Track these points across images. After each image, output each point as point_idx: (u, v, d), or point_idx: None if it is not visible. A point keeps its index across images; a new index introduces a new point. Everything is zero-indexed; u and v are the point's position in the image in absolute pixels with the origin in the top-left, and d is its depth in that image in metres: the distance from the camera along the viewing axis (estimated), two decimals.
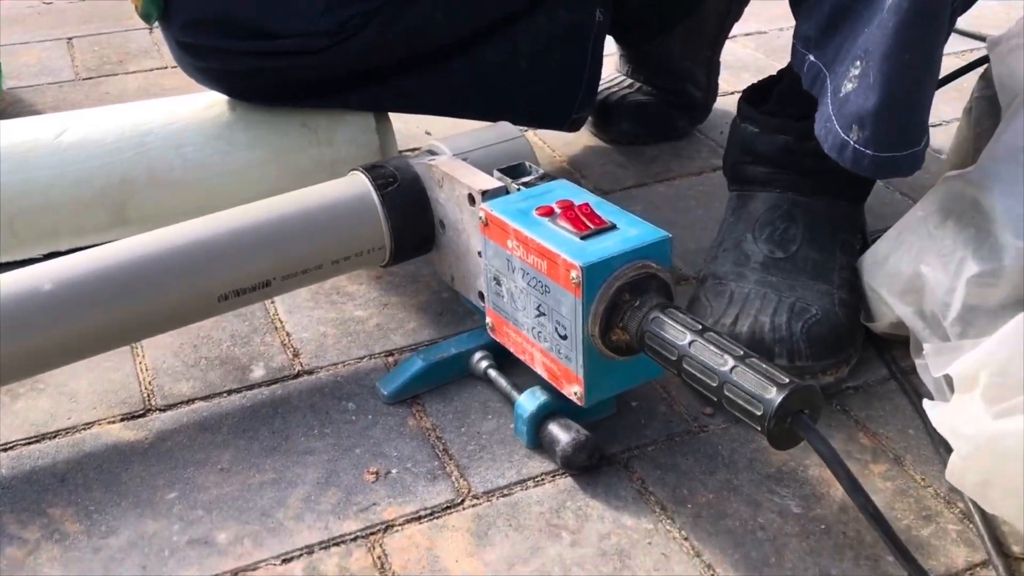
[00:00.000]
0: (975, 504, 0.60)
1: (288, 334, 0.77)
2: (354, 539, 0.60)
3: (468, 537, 0.60)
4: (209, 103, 0.91)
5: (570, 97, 0.95)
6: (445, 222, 0.73)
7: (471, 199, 0.68)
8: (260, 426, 0.68)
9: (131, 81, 1.20)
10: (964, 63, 0.89)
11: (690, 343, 0.54)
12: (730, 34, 1.10)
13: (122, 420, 0.69)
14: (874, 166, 0.62)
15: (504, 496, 0.62)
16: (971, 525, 0.60)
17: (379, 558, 0.58)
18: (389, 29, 0.85)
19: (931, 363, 0.58)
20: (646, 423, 0.68)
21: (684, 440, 0.67)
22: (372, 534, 0.60)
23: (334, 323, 0.78)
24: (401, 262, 0.75)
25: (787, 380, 0.50)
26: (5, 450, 0.66)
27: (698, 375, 0.53)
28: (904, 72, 0.58)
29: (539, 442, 0.65)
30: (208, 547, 0.59)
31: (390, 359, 0.74)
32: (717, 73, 1.09)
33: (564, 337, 0.60)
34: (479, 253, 0.68)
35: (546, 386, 0.65)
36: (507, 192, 0.67)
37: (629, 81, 1.07)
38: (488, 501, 0.62)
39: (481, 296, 0.70)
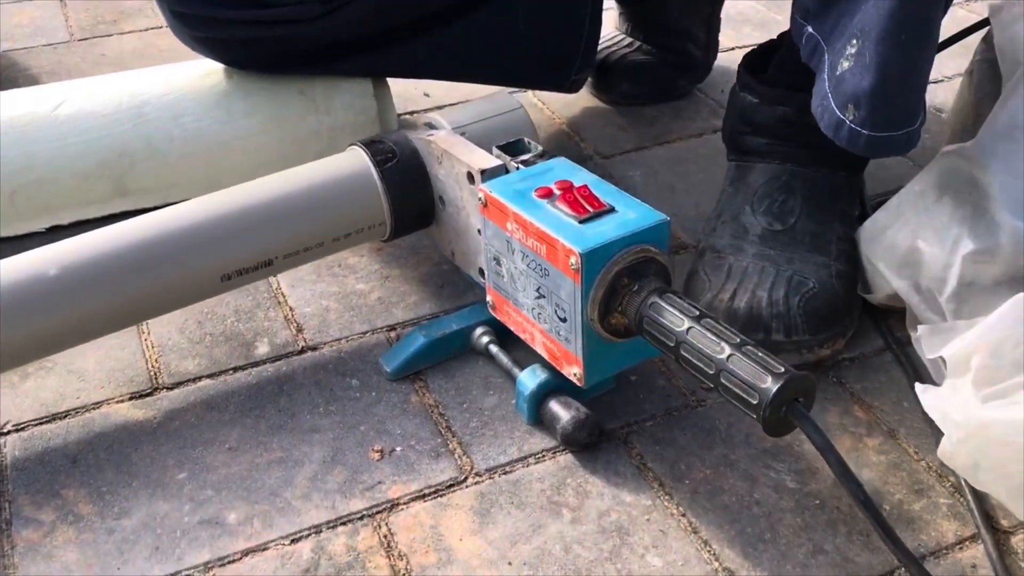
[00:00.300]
0: (965, 480, 0.61)
1: (291, 308, 0.78)
2: (360, 518, 0.61)
3: (471, 515, 0.61)
4: (206, 71, 0.90)
5: (569, 59, 0.95)
6: (445, 198, 0.73)
7: (470, 177, 0.68)
8: (266, 404, 0.69)
9: (126, 42, 1.19)
10: (967, 15, 0.88)
11: (687, 330, 0.55)
12: None
13: (130, 399, 0.70)
14: (870, 145, 0.62)
15: (506, 473, 0.64)
16: (961, 499, 0.62)
17: (385, 537, 0.60)
18: None
19: (924, 344, 0.59)
20: (645, 398, 0.70)
21: (682, 415, 0.68)
22: (378, 513, 0.61)
23: (336, 297, 0.79)
24: (401, 236, 0.76)
25: (782, 369, 0.51)
26: (18, 430, 0.67)
27: (695, 362, 0.54)
28: (900, 53, 0.58)
29: (540, 419, 0.66)
30: (219, 527, 0.61)
31: (392, 334, 0.75)
32: (718, 31, 1.08)
33: (564, 320, 0.61)
34: (479, 231, 0.68)
35: (546, 364, 0.66)
36: (506, 171, 0.68)
37: (628, 40, 1.06)
38: (490, 479, 0.64)
39: (481, 272, 0.70)
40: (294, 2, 0.82)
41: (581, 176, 0.64)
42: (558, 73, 0.96)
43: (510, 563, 0.58)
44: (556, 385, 0.66)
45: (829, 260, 0.73)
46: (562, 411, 0.65)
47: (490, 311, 0.69)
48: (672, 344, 0.56)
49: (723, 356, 0.53)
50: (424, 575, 0.58)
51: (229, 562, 0.59)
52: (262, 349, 0.74)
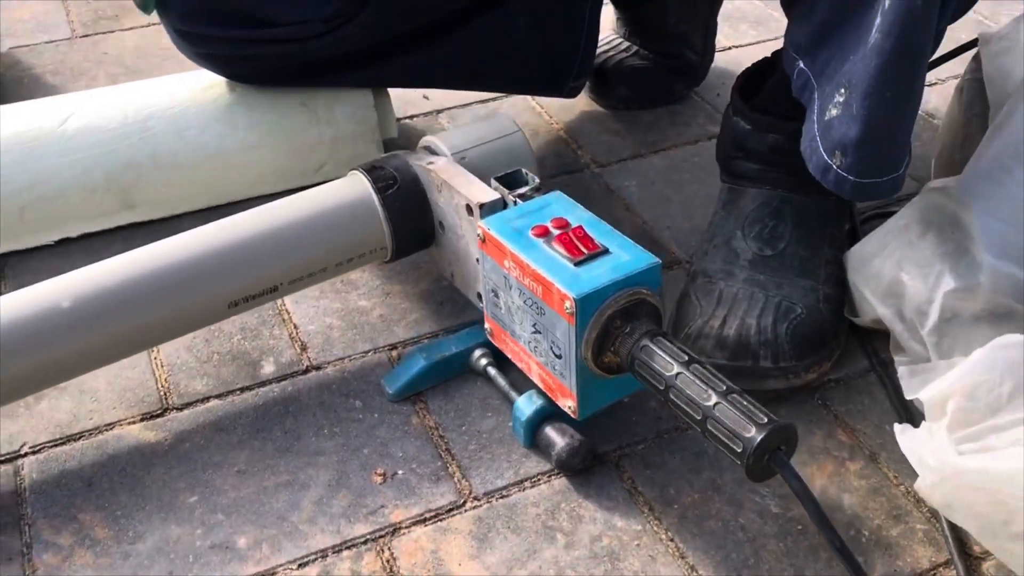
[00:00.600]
0: None
1: (295, 326, 0.80)
2: (364, 542, 0.64)
3: (470, 540, 0.64)
4: (209, 84, 0.92)
5: (567, 65, 0.96)
6: (444, 224, 0.75)
7: (469, 210, 0.70)
8: (273, 425, 0.72)
9: (128, 39, 1.20)
10: (961, 24, 0.89)
11: (676, 375, 0.58)
12: None
13: (142, 420, 0.72)
14: (856, 190, 0.64)
15: (503, 497, 0.67)
16: (937, 525, 0.65)
17: (388, 561, 0.63)
18: (385, 10, 0.85)
19: (904, 384, 0.61)
20: (637, 420, 0.72)
21: (672, 438, 0.71)
22: (381, 537, 0.65)
23: (339, 314, 0.81)
24: (402, 258, 0.78)
25: (765, 420, 0.54)
26: (35, 452, 0.70)
27: (683, 406, 0.57)
28: (886, 108, 0.60)
29: (536, 443, 0.69)
30: (230, 552, 0.64)
31: (394, 353, 0.78)
32: (714, 35, 1.09)
33: (559, 356, 0.63)
34: (477, 260, 0.70)
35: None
36: (504, 204, 0.70)
37: (626, 44, 1.07)
38: (488, 503, 0.67)
39: (479, 296, 0.73)
40: (296, 21, 0.84)
41: (577, 214, 0.66)
42: (556, 80, 0.97)
43: None
44: (552, 411, 0.68)
45: (817, 284, 0.75)
46: (557, 438, 0.67)
47: (488, 338, 0.72)
48: (661, 387, 0.58)
49: (710, 403, 0.56)
50: None
51: None
52: (268, 368, 0.77)
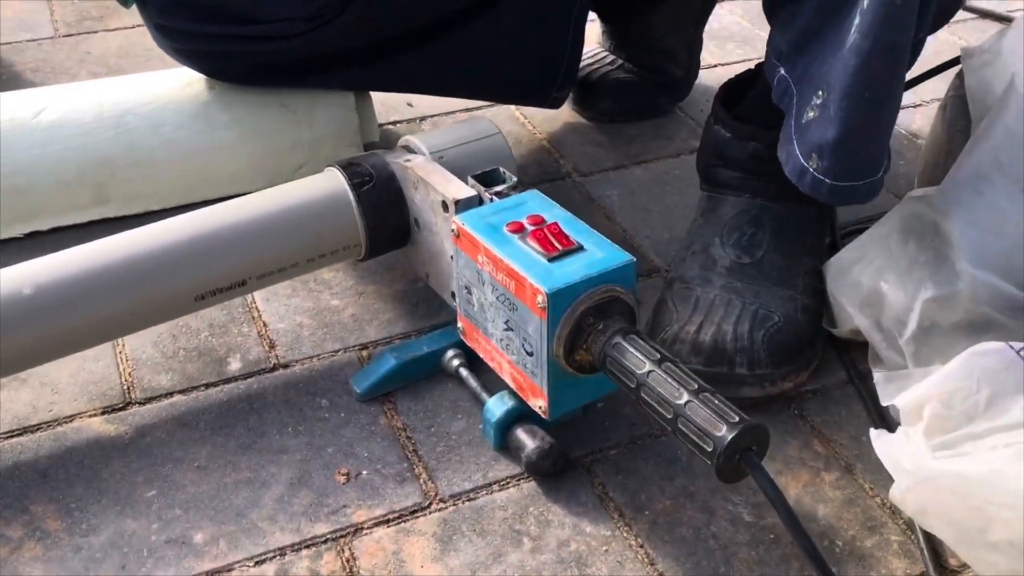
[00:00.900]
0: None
1: (265, 324, 0.79)
2: (324, 542, 0.62)
3: (433, 542, 0.63)
4: (187, 81, 0.91)
5: (552, 75, 0.96)
6: (420, 221, 0.74)
7: (444, 207, 0.69)
8: (236, 422, 0.70)
9: (112, 39, 1.19)
10: (947, 37, 0.89)
11: (648, 373, 0.56)
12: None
13: (103, 413, 0.71)
14: (832, 193, 0.63)
15: (470, 500, 0.65)
16: (912, 536, 0.64)
17: (348, 561, 0.61)
18: (367, 14, 0.85)
19: (881, 391, 0.60)
20: (611, 425, 0.71)
21: (646, 443, 0.70)
22: (341, 537, 0.63)
23: (310, 313, 0.80)
24: (376, 257, 0.77)
25: (737, 419, 0.52)
26: None
27: (654, 404, 0.56)
28: (863, 109, 0.59)
29: (506, 445, 0.68)
30: (185, 547, 0.62)
31: (364, 353, 0.76)
32: (699, 50, 1.09)
33: (530, 353, 0.62)
34: (451, 257, 0.69)
35: (514, 390, 0.67)
36: (480, 202, 0.69)
37: (611, 58, 1.07)
38: (454, 505, 0.65)
39: (453, 296, 0.71)
40: (277, 19, 0.83)
41: (553, 212, 0.65)
42: (540, 89, 0.97)
43: None
44: (523, 413, 0.67)
45: (795, 294, 0.74)
46: (527, 440, 0.66)
47: (460, 336, 0.70)
48: (633, 386, 0.57)
49: (681, 402, 0.54)
50: None
51: None
52: (234, 365, 0.75)
